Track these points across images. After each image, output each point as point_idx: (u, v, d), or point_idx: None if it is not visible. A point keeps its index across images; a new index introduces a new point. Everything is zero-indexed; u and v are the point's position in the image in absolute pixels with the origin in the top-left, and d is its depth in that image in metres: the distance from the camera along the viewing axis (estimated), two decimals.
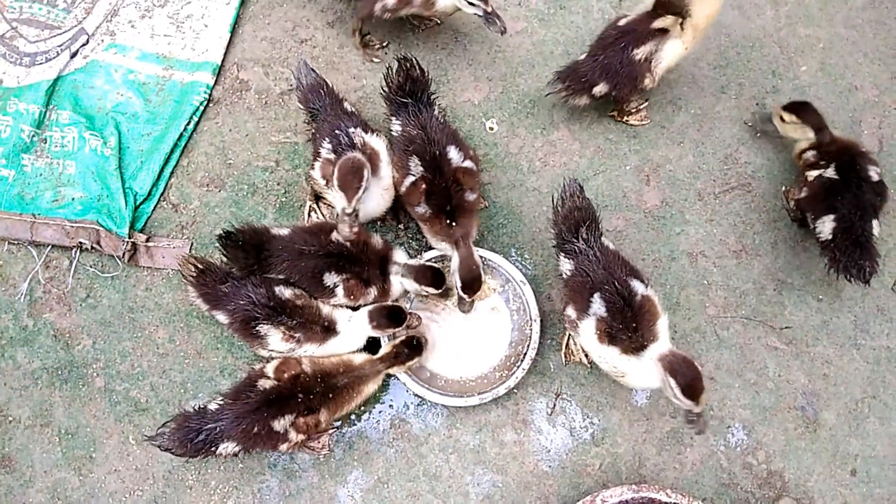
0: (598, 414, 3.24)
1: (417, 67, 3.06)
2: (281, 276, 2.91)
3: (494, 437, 3.20)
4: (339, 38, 3.65)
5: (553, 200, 2.98)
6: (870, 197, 3.13)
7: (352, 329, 2.94)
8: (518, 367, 3.12)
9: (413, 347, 2.95)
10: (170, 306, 3.26)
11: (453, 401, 3.09)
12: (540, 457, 3.19)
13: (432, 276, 2.95)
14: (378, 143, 3.06)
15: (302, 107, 3.18)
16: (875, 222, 3.12)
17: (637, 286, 2.76)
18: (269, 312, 2.82)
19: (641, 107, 3.60)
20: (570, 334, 3.19)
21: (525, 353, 3.12)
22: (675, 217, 3.48)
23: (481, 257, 3.12)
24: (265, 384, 2.73)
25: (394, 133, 3.14)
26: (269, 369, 2.80)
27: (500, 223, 3.43)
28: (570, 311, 2.86)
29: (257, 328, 2.83)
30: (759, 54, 3.73)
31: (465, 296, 2.96)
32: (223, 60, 3.56)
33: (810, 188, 3.24)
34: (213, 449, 2.71)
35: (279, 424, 2.69)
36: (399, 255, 3.07)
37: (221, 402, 2.75)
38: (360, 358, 2.96)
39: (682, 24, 3.14)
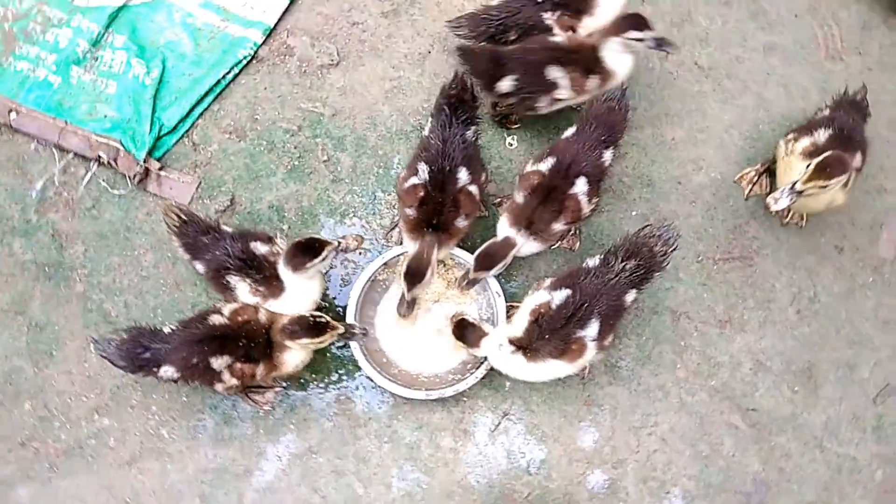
0: (540, 444, 3.20)
1: (470, 92, 3.11)
2: (513, 77, 3.13)
3: (432, 439, 3.19)
4: (389, 27, 3.78)
5: (647, 226, 3.01)
6: None
7: (293, 283, 2.94)
8: (471, 374, 3.12)
9: (308, 327, 2.77)
10: (163, 235, 3.39)
11: (399, 389, 3.10)
12: (471, 469, 3.16)
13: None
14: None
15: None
16: None
17: (591, 327, 2.79)
18: (239, 265, 2.91)
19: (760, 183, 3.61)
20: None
21: (482, 363, 3.12)
22: (669, 272, 3.42)
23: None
24: (216, 320, 2.80)
25: (423, 133, 3.20)
26: (227, 308, 2.87)
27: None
28: (548, 282, 2.95)
29: (227, 278, 2.92)
30: None
31: (403, 285, 2.94)
32: (276, 24, 3.73)
33: None
34: (154, 369, 2.78)
35: (217, 363, 2.75)
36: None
37: (174, 327, 2.84)
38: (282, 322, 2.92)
39: None
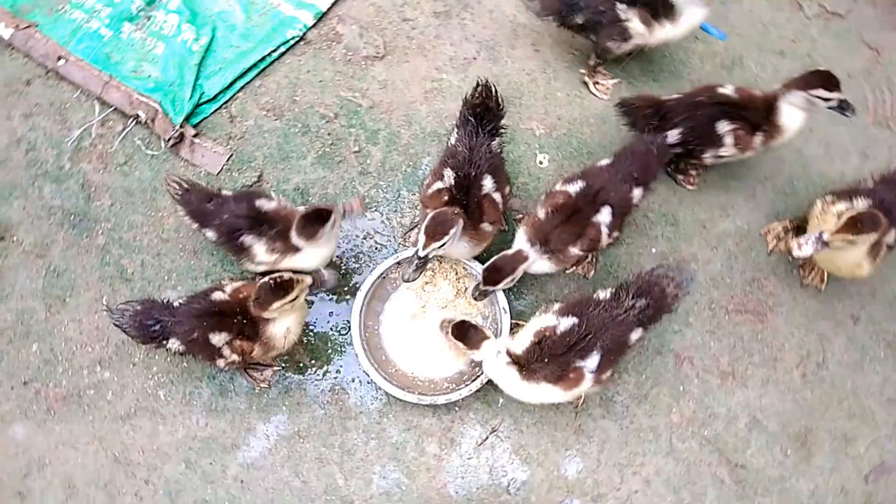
0: (524, 465, 3.21)
1: (494, 99, 3.07)
2: (679, 130, 3.23)
3: (418, 442, 3.22)
4: (438, 28, 3.78)
5: (662, 267, 2.99)
6: None
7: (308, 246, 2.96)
8: (466, 385, 3.13)
9: (272, 289, 2.71)
10: None
11: (393, 389, 3.12)
12: (452, 479, 3.18)
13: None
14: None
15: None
16: None
17: (591, 359, 2.79)
18: (251, 223, 2.92)
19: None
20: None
21: (478, 376, 3.14)
22: (679, 315, 3.41)
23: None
24: (217, 296, 2.84)
25: (450, 142, 3.17)
26: (229, 286, 2.91)
27: None
28: (557, 307, 2.94)
29: (241, 239, 2.93)
30: None
31: (421, 240, 2.83)
32: (328, 9, 3.76)
33: None
34: (163, 342, 2.85)
35: (216, 339, 2.79)
36: None
37: (182, 301, 2.89)
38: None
39: None
